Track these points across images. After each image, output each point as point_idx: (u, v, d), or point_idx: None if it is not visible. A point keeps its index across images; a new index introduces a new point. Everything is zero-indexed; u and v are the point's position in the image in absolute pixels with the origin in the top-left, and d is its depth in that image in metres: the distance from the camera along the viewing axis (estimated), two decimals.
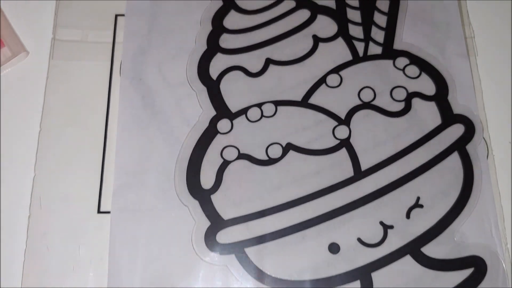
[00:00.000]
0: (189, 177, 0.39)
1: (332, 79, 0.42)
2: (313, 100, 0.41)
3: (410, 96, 0.41)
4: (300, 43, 0.43)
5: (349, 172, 0.39)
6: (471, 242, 0.37)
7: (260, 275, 0.36)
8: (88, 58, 0.43)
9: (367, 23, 0.43)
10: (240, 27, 0.43)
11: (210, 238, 0.37)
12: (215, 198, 0.38)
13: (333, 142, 0.40)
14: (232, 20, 0.44)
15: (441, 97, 0.41)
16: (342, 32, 0.43)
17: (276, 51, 0.42)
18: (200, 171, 0.39)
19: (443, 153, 0.39)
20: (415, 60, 0.42)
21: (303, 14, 0.44)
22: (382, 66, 0.42)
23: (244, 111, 0.41)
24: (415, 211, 0.38)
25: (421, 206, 0.38)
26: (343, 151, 0.39)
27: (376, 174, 0.39)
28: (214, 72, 0.42)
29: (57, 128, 0.40)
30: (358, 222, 0.37)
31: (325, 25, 0.43)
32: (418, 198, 0.38)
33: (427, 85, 0.42)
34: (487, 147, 0.40)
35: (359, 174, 0.39)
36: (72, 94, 0.41)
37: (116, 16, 0.44)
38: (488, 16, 0.45)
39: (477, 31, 0.44)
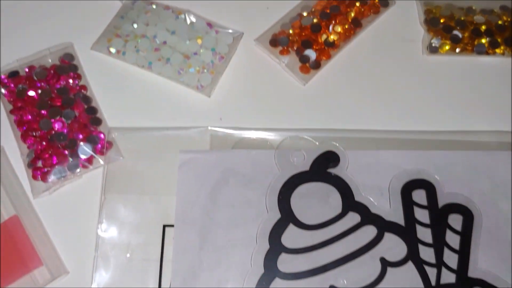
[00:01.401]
0: None
1: None
2: None
3: None
4: (366, 267, 0.39)
5: None
6: None
7: None
8: (134, 283, 0.38)
9: (439, 244, 0.40)
10: (300, 245, 0.39)
11: None
12: None
13: None
14: (291, 236, 0.40)
15: None
16: (412, 255, 0.39)
17: (340, 277, 0.39)
18: None
19: None
20: None
21: (369, 232, 0.40)
22: None
23: None
24: None
25: None
26: None
27: None
28: None
29: None
30: None
31: (393, 245, 0.40)
32: None
33: None
34: None
35: None
36: None
37: (164, 227, 0.40)
38: None
39: None
